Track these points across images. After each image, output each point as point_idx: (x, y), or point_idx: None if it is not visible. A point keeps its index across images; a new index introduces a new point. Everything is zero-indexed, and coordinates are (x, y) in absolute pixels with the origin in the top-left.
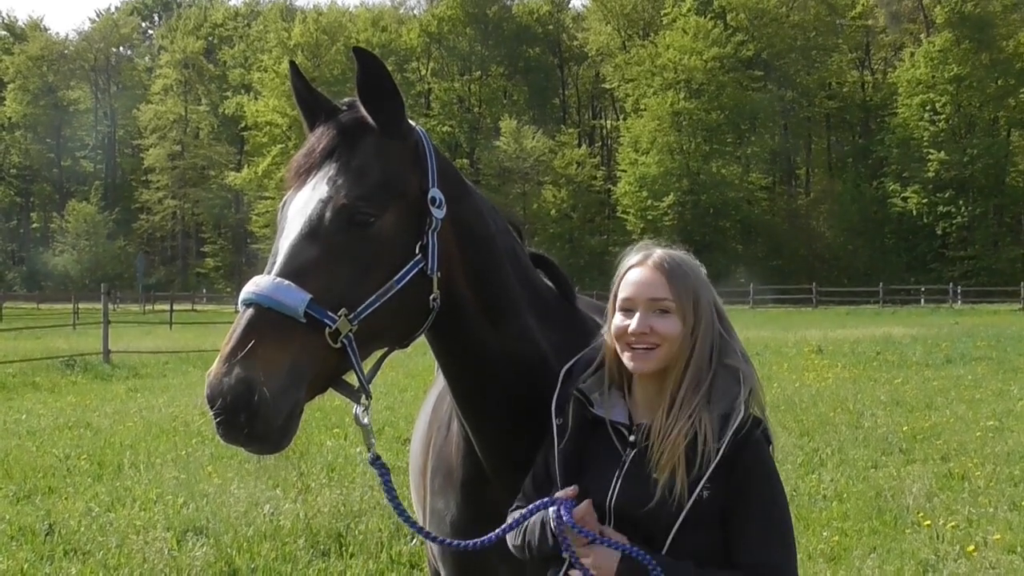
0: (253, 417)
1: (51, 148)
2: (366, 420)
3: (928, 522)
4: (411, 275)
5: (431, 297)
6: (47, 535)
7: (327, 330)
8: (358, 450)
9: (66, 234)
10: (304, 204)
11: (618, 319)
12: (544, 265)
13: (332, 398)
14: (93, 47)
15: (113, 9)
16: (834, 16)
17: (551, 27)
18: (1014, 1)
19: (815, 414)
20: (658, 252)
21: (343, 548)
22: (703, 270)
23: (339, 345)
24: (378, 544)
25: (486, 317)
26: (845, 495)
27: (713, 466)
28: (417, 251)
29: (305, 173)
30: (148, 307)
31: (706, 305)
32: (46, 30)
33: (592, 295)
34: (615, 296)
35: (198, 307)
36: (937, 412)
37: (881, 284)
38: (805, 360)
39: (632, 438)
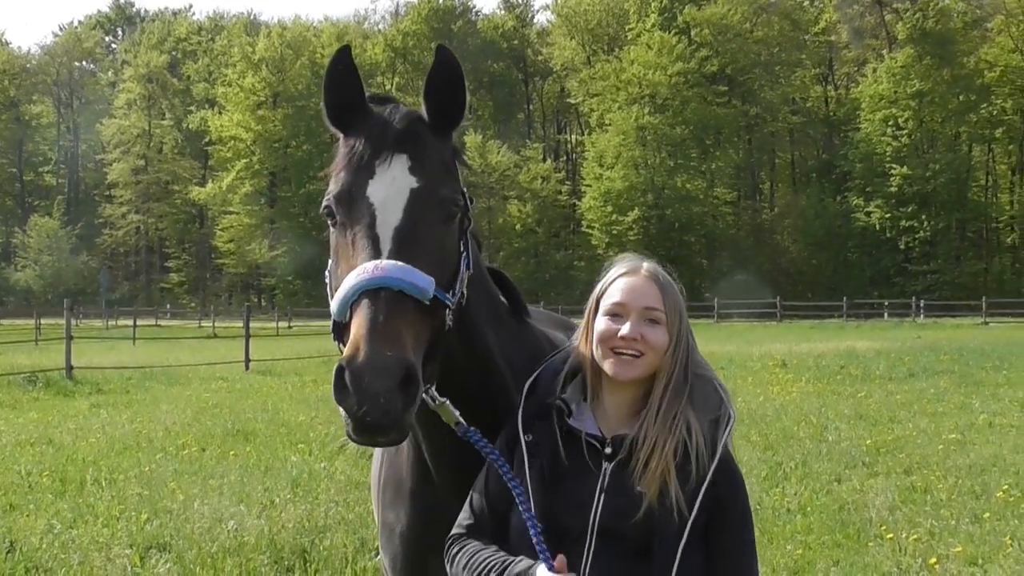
0: (409, 402)
1: (13, 163)
2: (439, 400)
3: (891, 535)
4: (463, 268)
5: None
6: (8, 552)
7: (447, 311)
8: (322, 465)
9: (28, 249)
10: (396, 192)
11: (605, 323)
12: (498, 279)
13: (297, 413)
14: (56, 61)
15: (76, 23)
16: (798, 32)
17: (516, 42)
18: (974, 18)
19: (779, 428)
20: (648, 264)
21: (307, 564)
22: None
23: (448, 324)
24: (343, 560)
25: (457, 327)
26: (809, 508)
27: (711, 472)
28: (462, 247)
29: (372, 159)
30: (111, 322)
31: (685, 318)
32: (7, 44)
33: (557, 309)
34: (597, 304)
35: (162, 322)
36: (900, 425)
37: (845, 298)
38: (769, 374)
39: (608, 451)
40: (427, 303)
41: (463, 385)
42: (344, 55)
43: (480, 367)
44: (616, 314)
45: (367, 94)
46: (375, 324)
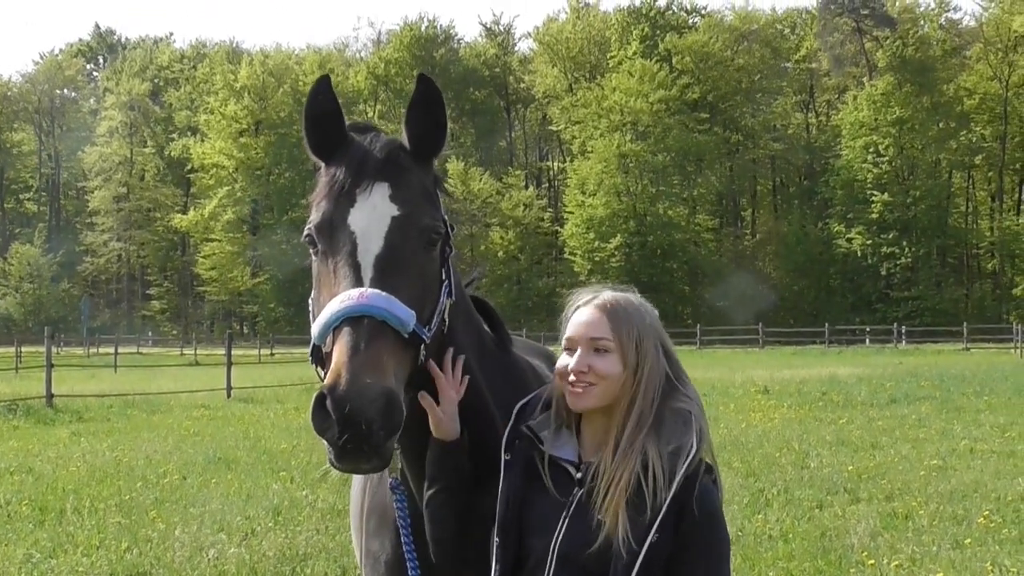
0: (392, 430)
1: None
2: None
3: (872, 561)
4: (443, 295)
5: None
6: None
7: (422, 345)
8: (304, 493)
9: (9, 277)
10: (377, 220)
11: (561, 359)
12: (481, 308)
13: (279, 441)
14: (37, 89)
15: (57, 51)
16: (778, 60)
17: (498, 70)
18: (953, 46)
19: (761, 454)
20: (605, 294)
21: None
22: (654, 313)
23: (422, 359)
24: None
25: (441, 357)
26: (791, 535)
27: (664, 509)
28: (443, 275)
29: (353, 187)
30: (92, 350)
31: (650, 347)
32: None
33: (539, 336)
34: (562, 336)
35: (143, 350)
36: (882, 452)
37: (827, 324)
38: (751, 400)
39: (579, 475)
40: (406, 336)
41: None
42: (324, 84)
43: (466, 397)
44: (569, 348)
45: (347, 123)
46: (357, 351)
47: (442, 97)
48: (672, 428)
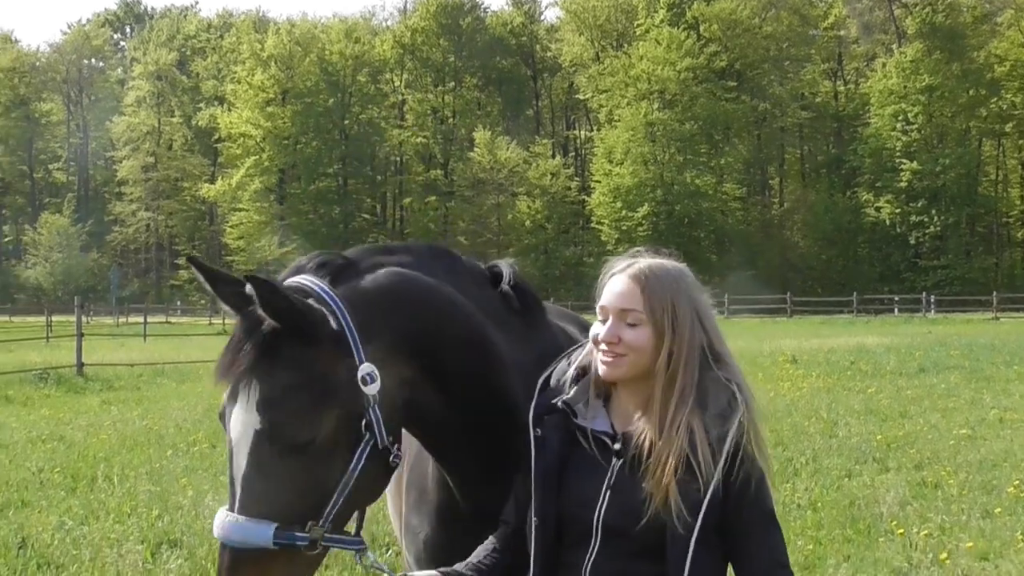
0: None
1: (23, 160)
2: (367, 564)
3: (901, 530)
4: (364, 457)
5: (391, 458)
6: (20, 549)
7: (303, 548)
8: None
9: (39, 246)
10: (243, 430)
11: (595, 326)
12: (496, 278)
13: None
14: (65, 59)
15: (85, 21)
16: (806, 27)
17: (524, 39)
18: (984, 12)
19: (789, 424)
20: (641, 263)
21: None
22: (691, 280)
23: (319, 549)
24: (353, 554)
25: (469, 406)
26: (819, 504)
27: (715, 482)
28: (364, 431)
29: (235, 382)
30: (122, 319)
31: (685, 315)
32: (16, 42)
33: (567, 305)
34: (597, 302)
35: (172, 319)
36: (911, 421)
37: (855, 294)
38: (779, 370)
39: (617, 447)
40: (275, 548)
41: (481, 434)
42: (197, 269)
43: (499, 413)
44: (603, 317)
45: (246, 276)
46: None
47: (276, 290)
48: (716, 400)
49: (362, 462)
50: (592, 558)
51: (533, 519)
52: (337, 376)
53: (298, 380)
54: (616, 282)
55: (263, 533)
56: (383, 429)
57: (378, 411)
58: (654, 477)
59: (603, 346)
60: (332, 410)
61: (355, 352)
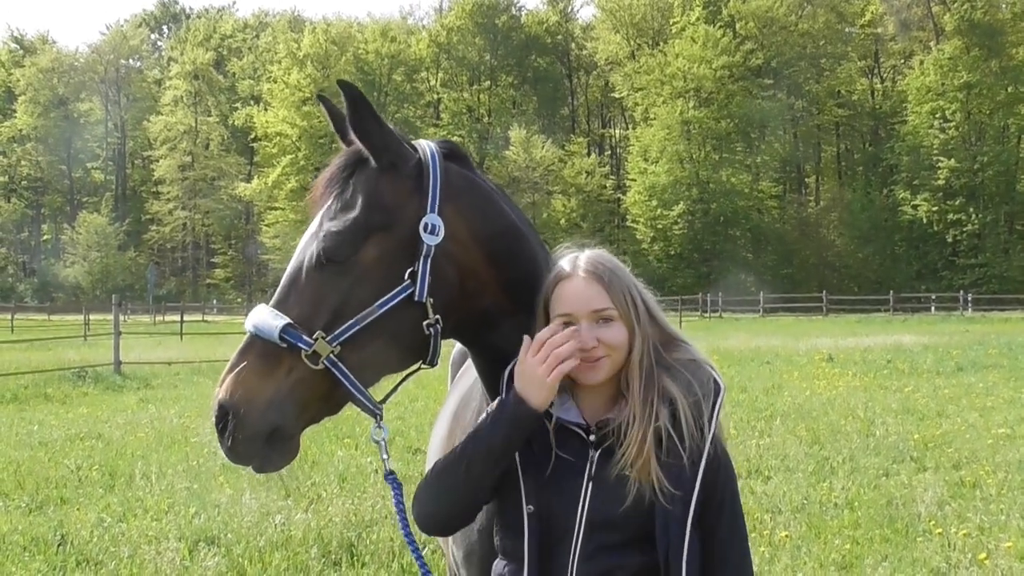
0: (231, 438)
1: (62, 160)
2: (377, 438)
3: (940, 530)
4: (396, 301)
5: (425, 323)
6: (59, 546)
7: (303, 353)
8: (369, 460)
9: (77, 245)
10: (307, 235)
11: (545, 332)
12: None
13: (345, 408)
14: (103, 59)
15: (122, 22)
16: (843, 24)
17: (560, 37)
18: (1023, 8)
19: (826, 422)
20: (583, 259)
21: (355, 558)
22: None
23: (320, 367)
24: (390, 554)
25: (526, 319)
26: (856, 503)
27: (708, 446)
28: (406, 277)
29: (314, 204)
30: (159, 318)
31: (639, 300)
32: (55, 43)
33: None
34: (546, 310)
35: (208, 318)
36: (948, 420)
37: (891, 292)
38: (816, 368)
39: (592, 438)
40: (284, 345)
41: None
42: (326, 108)
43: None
44: (568, 323)
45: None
46: (228, 366)
47: (362, 97)
48: (687, 372)
49: (392, 303)
50: (577, 552)
51: (528, 509)
52: (402, 212)
53: (362, 200)
54: (575, 285)
55: (273, 323)
56: (426, 283)
57: (428, 264)
58: (633, 456)
59: (582, 354)
60: (381, 239)
61: (430, 200)
